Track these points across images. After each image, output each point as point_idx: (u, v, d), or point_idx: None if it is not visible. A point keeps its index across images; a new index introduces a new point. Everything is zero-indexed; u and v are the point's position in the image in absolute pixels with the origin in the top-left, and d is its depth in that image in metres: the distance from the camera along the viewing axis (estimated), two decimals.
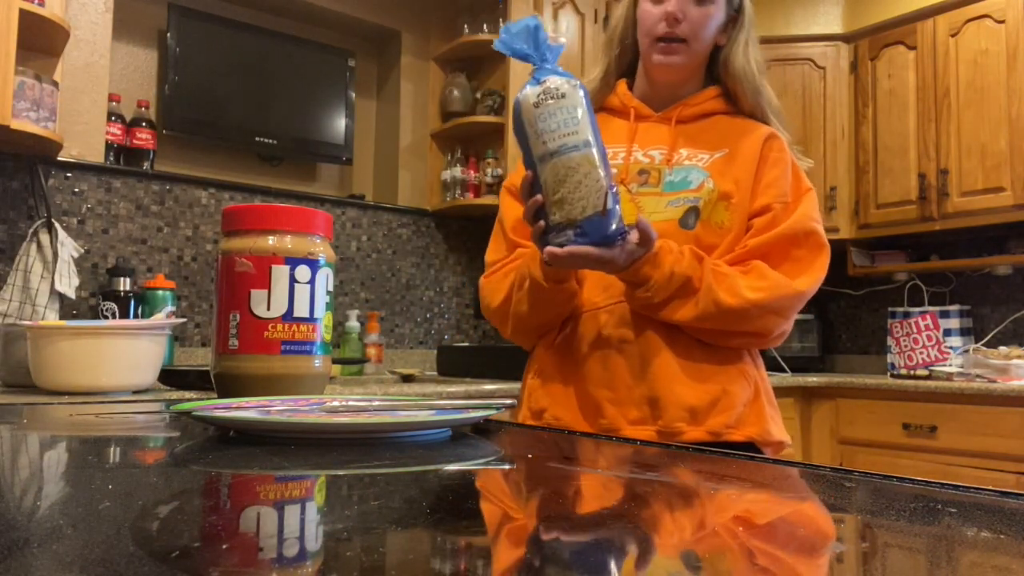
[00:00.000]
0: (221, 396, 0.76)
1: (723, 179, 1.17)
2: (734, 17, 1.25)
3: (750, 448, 1.14)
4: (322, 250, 0.76)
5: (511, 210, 1.27)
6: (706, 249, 1.15)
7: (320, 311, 0.74)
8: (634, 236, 1.04)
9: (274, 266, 0.72)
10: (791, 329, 1.19)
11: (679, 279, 1.08)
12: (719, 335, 1.14)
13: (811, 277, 1.15)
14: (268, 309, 0.71)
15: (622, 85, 1.30)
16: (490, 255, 1.30)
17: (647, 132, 1.25)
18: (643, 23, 1.23)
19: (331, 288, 0.77)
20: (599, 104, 1.30)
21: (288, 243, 0.73)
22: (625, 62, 1.31)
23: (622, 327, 1.15)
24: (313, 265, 0.74)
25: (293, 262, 0.72)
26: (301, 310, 0.72)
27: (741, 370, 1.16)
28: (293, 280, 0.72)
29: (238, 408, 0.67)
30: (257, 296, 0.71)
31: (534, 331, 1.25)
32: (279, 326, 0.71)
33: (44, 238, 2.14)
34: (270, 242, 0.73)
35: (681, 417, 1.11)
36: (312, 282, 0.73)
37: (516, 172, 1.32)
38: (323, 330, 0.75)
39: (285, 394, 0.72)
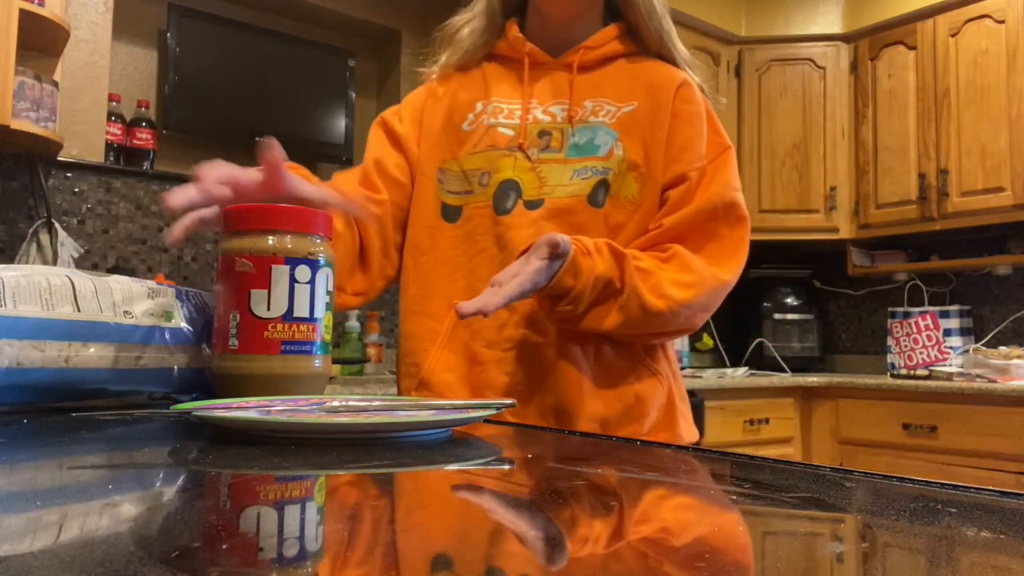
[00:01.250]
0: (221, 396, 0.76)
1: (632, 141, 1.06)
2: None
3: None
4: (322, 250, 0.76)
5: (375, 147, 1.15)
6: (615, 227, 1.04)
7: (320, 311, 0.75)
8: (542, 252, 0.91)
9: (274, 266, 0.72)
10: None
11: (601, 283, 0.94)
12: (642, 337, 1.03)
13: (735, 264, 1.05)
14: (268, 309, 0.72)
15: (512, 27, 1.13)
16: None
17: (545, 84, 1.11)
18: None
19: (331, 288, 0.78)
20: (487, 49, 1.16)
21: (288, 243, 0.74)
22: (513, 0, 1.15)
23: (524, 327, 1.02)
24: (313, 265, 0.74)
25: (293, 262, 0.73)
26: (301, 310, 0.73)
27: (653, 370, 1.06)
28: (293, 280, 0.72)
29: (238, 408, 0.67)
30: (257, 296, 0.72)
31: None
32: (279, 326, 0.72)
33: (44, 238, 2.14)
34: (270, 242, 0.74)
35: (591, 429, 1.00)
36: (312, 282, 0.74)
37: (399, 108, 1.18)
38: (323, 330, 0.75)
39: (285, 394, 0.72)
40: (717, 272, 1.03)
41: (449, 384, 1.04)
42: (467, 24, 1.17)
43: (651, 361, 1.06)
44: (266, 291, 0.71)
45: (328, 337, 0.76)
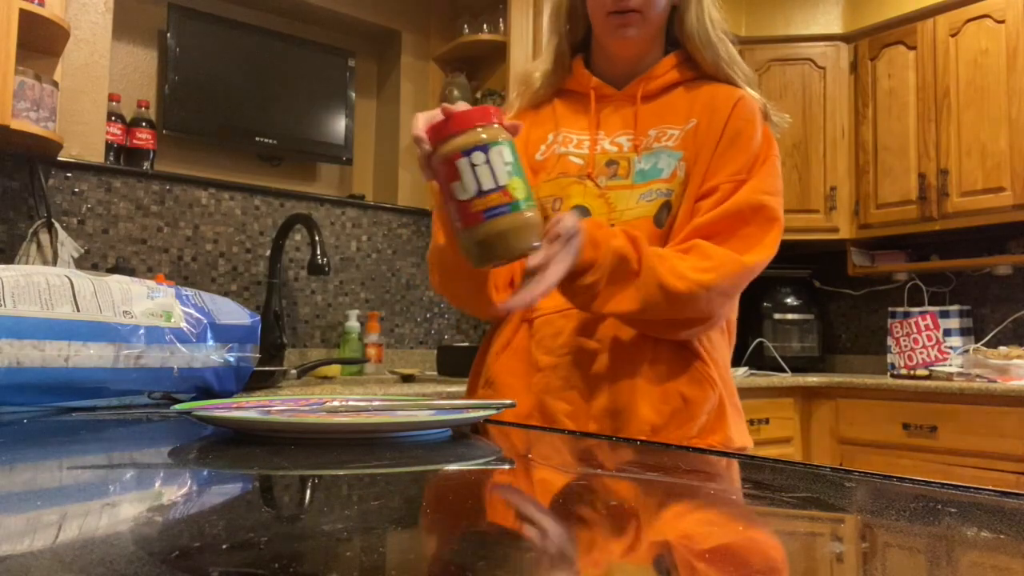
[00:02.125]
0: (475, 261, 0.91)
1: (693, 157, 1.10)
2: None
3: None
4: (487, 135, 0.89)
5: None
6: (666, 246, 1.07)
7: (503, 179, 0.88)
8: (554, 231, 0.94)
9: (456, 161, 0.88)
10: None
11: (617, 257, 0.98)
12: (662, 326, 1.04)
13: (761, 253, 1.06)
14: (465, 192, 0.88)
15: (579, 64, 1.22)
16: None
17: (611, 115, 1.18)
18: None
19: (510, 158, 0.89)
20: (556, 86, 1.24)
21: (459, 141, 0.89)
22: (578, 37, 1.23)
23: (581, 334, 1.07)
24: (484, 149, 0.88)
25: (467, 152, 0.88)
26: (487, 185, 0.88)
27: (706, 375, 1.09)
28: (472, 166, 0.88)
29: (238, 408, 0.67)
30: (455, 186, 0.89)
31: (462, 297, 1.17)
32: (475, 201, 0.88)
33: (44, 238, 2.14)
34: (446, 147, 0.89)
35: (643, 432, 1.04)
36: (488, 161, 0.88)
37: None
38: (513, 191, 0.89)
39: (506, 250, 0.89)
40: (738, 257, 1.04)
41: (511, 386, 1.11)
42: (538, 69, 1.26)
43: (702, 366, 1.09)
44: (459, 181, 0.89)
45: (520, 195, 0.89)
